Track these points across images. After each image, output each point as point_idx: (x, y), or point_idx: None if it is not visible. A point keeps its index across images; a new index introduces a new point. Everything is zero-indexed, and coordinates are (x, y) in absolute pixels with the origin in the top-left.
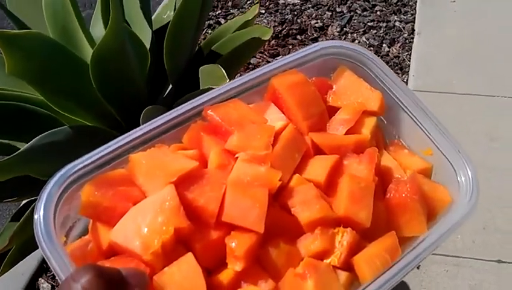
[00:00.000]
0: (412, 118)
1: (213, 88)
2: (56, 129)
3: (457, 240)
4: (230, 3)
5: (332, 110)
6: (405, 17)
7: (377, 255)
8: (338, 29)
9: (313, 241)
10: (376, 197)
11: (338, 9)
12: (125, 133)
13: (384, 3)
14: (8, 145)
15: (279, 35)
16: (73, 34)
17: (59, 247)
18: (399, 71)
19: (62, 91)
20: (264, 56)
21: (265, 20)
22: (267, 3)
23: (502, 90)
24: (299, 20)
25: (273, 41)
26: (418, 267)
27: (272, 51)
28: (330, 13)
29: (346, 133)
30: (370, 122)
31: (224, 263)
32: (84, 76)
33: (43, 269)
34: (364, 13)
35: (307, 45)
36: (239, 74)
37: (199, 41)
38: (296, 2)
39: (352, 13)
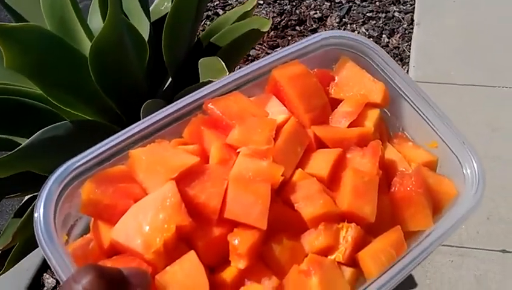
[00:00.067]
0: (415, 110)
1: (213, 81)
2: (56, 124)
3: (462, 230)
4: None
5: (335, 103)
6: (404, 8)
7: (382, 251)
8: (337, 20)
9: (317, 237)
10: (380, 191)
11: (337, 0)
12: (125, 128)
13: None
14: (7, 141)
15: (278, 27)
16: (71, 27)
17: (60, 247)
18: (399, 62)
19: (61, 84)
20: (264, 47)
21: (263, 11)
22: None
23: (502, 81)
24: (297, 11)
25: (272, 33)
26: None
27: (271, 42)
28: (329, 4)
29: (349, 126)
30: (373, 115)
31: (227, 261)
32: (83, 69)
33: (47, 264)
34: (363, 4)
35: (306, 36)
36: (238, 66)
37: (198, 33)
38: None
39: (351, 3)
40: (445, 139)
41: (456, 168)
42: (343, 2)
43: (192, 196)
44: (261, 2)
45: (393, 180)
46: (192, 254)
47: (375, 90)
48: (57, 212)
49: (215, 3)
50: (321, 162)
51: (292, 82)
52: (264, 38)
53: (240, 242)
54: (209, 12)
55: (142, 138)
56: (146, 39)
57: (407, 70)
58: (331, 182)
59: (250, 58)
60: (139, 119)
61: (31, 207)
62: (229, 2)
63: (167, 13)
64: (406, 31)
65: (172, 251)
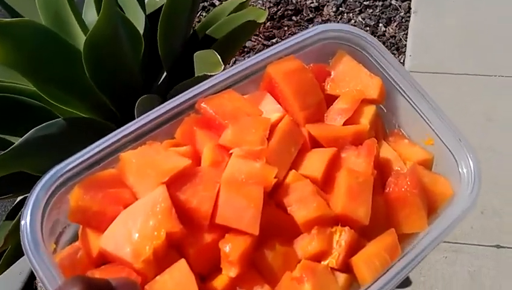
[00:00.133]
0: (412, 106)
1: (208, 75)
2: (50, 122)
3: None
4: None
5: (331, 99)
6: None
7: (376, 255)
8: (334, 9)
9: (310, 242)
10: (375, 192)
11: None
12: (119, 124)
13: None
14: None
15: (275, 17)
16: (65, 21)
17: (46, 257)
18: (395, 51)
19: (55, 80)
20: (260, 39)
21: (260, 1)
22: None
23: (499, 70)
24: (294, 1)
25: (268, 23)
26: None
27: (268, 33)
28: None
29: (344, 124)
30: (369, 111)
31: (218, 268)
32: (77, 64)
33: None
34: None
35: (303, 26)
36: (234, 58)
37: (194, 25)
38: None
39: None
40: (441, 136)
41: (452, 167)
42: None
43: (184, 200)
44: None
45: (388, 181)
46: (182, 263)
47: (372, 86)
48: (45, 220)
49: None
50: (315, 162)
51: (287, 78)
52: (260, 29)
53: (231, 249)
54: (205, 3)
55: (133, 140)
56: (141, 32)
57: (404, 60)
58: (325, 183)
59: (246, 49)
60: (134, 115)
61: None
62: None
63: (163, 5)
64: (403, 20)
65: (163, 259)
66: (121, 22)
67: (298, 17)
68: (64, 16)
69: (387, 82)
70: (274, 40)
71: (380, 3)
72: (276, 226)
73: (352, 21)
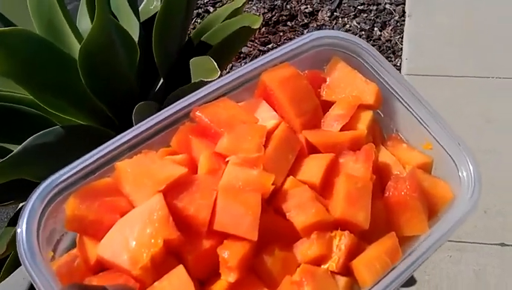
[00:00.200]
0: (409, 111)
1: (204, 81)
2: (47, 130)
3: None
4: None
5: (327, 105)
6: None
7: (377, 258)
8: (328, 14)
9: (310, 247)
10: (374, 196)
11: None
12: (118, 131)
13: None
14: None
15: (270, 23)
16: (59, 29)
17: (43, 266)
18: (392, 55)
19: (51, 89)
20: (255, 44)
21: (254, 7)
22: None
23: (495, 71)
24: (288, 6)
25: (263, 29)
26: None
27: (263, 39)
28: None
29: (341, 129)
30: (366, 117)
31: (217, 274)
32: (73, 72)
33: None
34: None
35: (298, 31)
36: (231, 65)
37: (189, 32)
38: None
39: None
40: (440, 140)
41: (452, 171)
42: None
43: (181, 208)
44: None
45: (387, 185)
46: (181, 269)
47: (368, 91)
48: (41, 229)
49: (205, 1)
50: (313, 168)
51: (282, 86)
52: (256, 35)
53: (230, 255)
54: (200, 10)
55: (128, 149)
56: (136, 40)
57: (400, 64)
58: (324, 189)
59: (242, 55)
60: (131, 122)
61: None
62: None
63: (157, 12)
64: (398, 23)
65: (161, 265)
66: (115, 29)
67: (293, 23)
68: (58, 24)
69: (383, 87)
70: (270, 46)
71: (375, 7)
72: (275, 232)
73: (347, 26)
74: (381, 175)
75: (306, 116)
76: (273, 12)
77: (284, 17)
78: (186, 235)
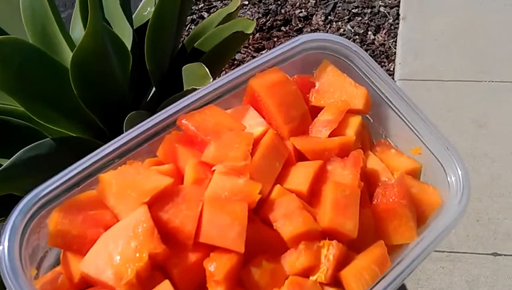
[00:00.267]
0: (399, 115)
1: (197, 88)
2: (38, 142)
3: (452, 234)
4: None
5: (315, 110)
6: (389, 1)
7: (366, 268)
8: (322, 18)
9: (298, 258)
10: (362, 204)
11: None
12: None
13: None
14: None
15: (264, 28)
16: (52, 37)
17: (26, 284)
18: (385, 59)
19: (42, 99)
20: (249, 51)
21: (248, 12)
22: None
23: (489, 75)
24: (283, 10)
25: (257, 35)
26: None
27: (257, 45)
28: (314, 1)
29: (330, 135)
30: (355, 122)
31: (204, 287)
32: (65, 82)
33: None
34: None
35: (292, 36)
36: (224, 71)
37: (182, 38)
38: None
39: (336, 0)
40: (428, 145)
41: (441, 176)
42: None
43: (166, 220)
44: (246, 3)
45: (375, 192)
46: (166, 284)
47: (357, 96)
48: (24, 246)
49: (200, 6)
50: (301, 176)
51: (270, 92)
52: (250, 41)
53: (216, 268)
54: (194, 16)
55: (113, 160)
56: (129, 47)
57: (393, 68)
58: (312, 197)
59: (236, 62)
60: (123, 132)
61: None
62: (214, 4)
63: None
64: (392, 27)
65: (146, 280)
66: (108, 36)
67: (287, 28)
68: (51, 32)
69: (373, 91)
70: (264, 52)
71: (369, 10)
72: (262, 242)
73: (342, 30)
74: (369, 182)
75: (294, 122)
76: (267, 17)
77: (278, 22)
78: (171, 248)
